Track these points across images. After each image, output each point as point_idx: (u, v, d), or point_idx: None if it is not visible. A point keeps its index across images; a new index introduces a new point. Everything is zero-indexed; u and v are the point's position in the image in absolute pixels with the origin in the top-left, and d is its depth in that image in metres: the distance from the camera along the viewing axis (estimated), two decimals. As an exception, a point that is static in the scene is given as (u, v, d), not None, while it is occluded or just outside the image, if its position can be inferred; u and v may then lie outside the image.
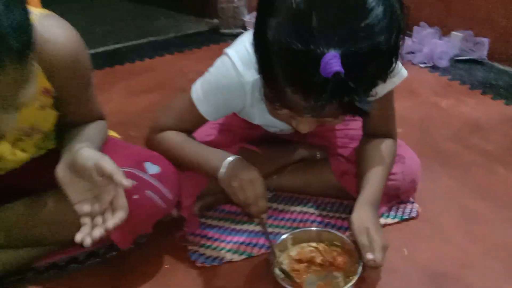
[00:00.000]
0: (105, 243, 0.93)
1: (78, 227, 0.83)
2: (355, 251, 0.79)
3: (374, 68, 0.60)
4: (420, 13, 1.97)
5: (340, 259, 0.82)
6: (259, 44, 0.65)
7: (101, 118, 0.90)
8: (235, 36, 2.17)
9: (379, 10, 0.58)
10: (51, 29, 0.71)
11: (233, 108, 0.90)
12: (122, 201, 0.71)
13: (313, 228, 0.88)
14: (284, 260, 0.84)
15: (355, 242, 0.78)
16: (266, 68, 0.65)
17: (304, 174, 1.06)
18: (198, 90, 0.87)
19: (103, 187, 0.71)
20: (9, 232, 0.85)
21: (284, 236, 0.86)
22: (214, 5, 2.31)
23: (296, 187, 1.07)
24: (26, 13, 0.54)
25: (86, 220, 0.71)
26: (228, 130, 1.06)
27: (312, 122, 0.72)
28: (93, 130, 0.85)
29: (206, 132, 1.03)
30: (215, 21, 2.38)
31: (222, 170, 0.82)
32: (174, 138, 0.91)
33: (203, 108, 0.87)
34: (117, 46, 2.12)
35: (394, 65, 0.64)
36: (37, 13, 0.69)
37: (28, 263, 0.90)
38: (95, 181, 0.69)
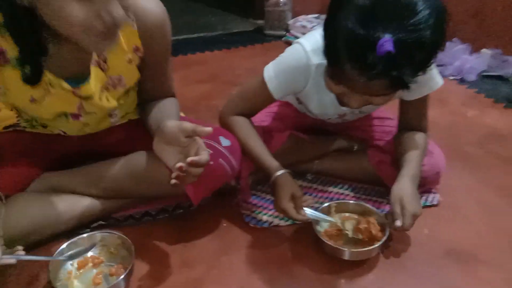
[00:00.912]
0: (173, 204, 1.12)
1: (163, 183, 1.01)
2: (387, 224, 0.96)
3: (418, 56, 0.78)
4: (454, 30, 2.11)
5: (379, 234, 0.97)
6: (328, 31, 0.83)
7: (173, 95, 1.07)
8: (278, 37, 2.40)
9: (426, 12, 0.76)
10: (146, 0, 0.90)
11: (296, 87, 1.06)
12: (204, 148, 0.85)
13: (351, 201, 1.06)
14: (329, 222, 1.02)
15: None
16: (331, 49, 0.83)
17: (343, 161, 1.23)
18: (270, 70, 1.04)
19: (188, 146, 0.85)
20: (103, 185, 1.05)
21: (328, 203, 1.04)
22: (260, 8, 2.50)
23: (335, 172, 1.24)
24: None
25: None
26: (280, 119, 1.23)
27: (361, 99, 0.87)
28: (171, 106, 1.02)
29: (262, 118, 1.21)
30: (260, 22, 2.56)
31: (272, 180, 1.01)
32: (241, 127, 1.08)
33: (272, 86, 1.04)
34: (170, 39, 2.32)
35: (433, 59, 0.81)
36: None
37: (111, 213, 1.09)
38: (182, 142, 0.84)
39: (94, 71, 0.90)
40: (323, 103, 1.07)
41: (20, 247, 0.85)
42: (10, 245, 0.87)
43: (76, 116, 0.98)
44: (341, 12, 0.79)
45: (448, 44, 2.06)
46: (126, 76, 0.95)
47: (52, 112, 0.93)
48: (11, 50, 0.81)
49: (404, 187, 0.96)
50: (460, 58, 2.00)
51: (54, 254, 0.91)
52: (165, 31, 0.94)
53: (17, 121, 1.06)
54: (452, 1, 2.13)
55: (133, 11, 0.87)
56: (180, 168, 0.81)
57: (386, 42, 0.73)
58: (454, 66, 1.97)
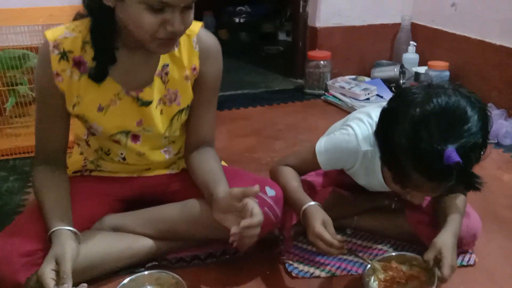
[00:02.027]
0: (220, 250, 1.21)
1: (215, 227, 1.09)
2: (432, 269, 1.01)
3: (476, 156, 0.88)
4: (489, 96, 2.19)
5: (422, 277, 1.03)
6: (385, 143, 0.94)
7: (212, 141, 1.18)
8: (317, 96, 2.54)
9: (475, 117, 0.87)
10: (206, 32, 1.09)
11: (344, 165, 1.17)
12: (257, 209, 0.96)
13: (394, 253, 1.12)
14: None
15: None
16: (393, 160, 0.93)
17: (381, 219, 1.29)
18: (321, 145, 1.15)
19: (244, 209, 0.96)
20: (160, 227, 1.15)
21: (370, 266, 1.08)
22: (301, 68, 2.66)
23: (372, 229, 1.30)
24: None
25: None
26: (324, 175, 1.33)
27: (424, 195, 0.98)
28: (216, 165, 1.12)
29: (308, 173, 1.30)
30: (300, 81, 2.71)
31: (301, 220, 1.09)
32: (287, 173, 1.19)
33: (321, 159, 1.15)
34: (217, 94, 2.49)
35: (486, 150, 0.91)
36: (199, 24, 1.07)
37: (164, 254, 1.18)
38: (237, 207, 0.96)
39: (157, 81, 1.06)
40: (369, 182, 1.17)
41: (84, 285, 0.94)
42: (75, 277, 0.96)
43: (135, 138, 1.11)
44: (397, 126, 0.89)
45: (483, 109, 2.13)
46: (181, 93, 1.09)
47: (115, 125, 1.07)
48: (91, 63, 1.00)
49: (446, 239, 1.02)
50: (496, 122, 2.05)
51: None
52: (219, 59, 1.11)
53: (84, 163, 1.20)
54: (487, 69, 2.23)
55: (197, 37, 1.05)
56: (234, 235, 0.92)
57: (452, 153, 0.82)
58: (490, 130, 2.02)
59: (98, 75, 1.00)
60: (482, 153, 0.90)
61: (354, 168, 1.14)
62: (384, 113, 0.97)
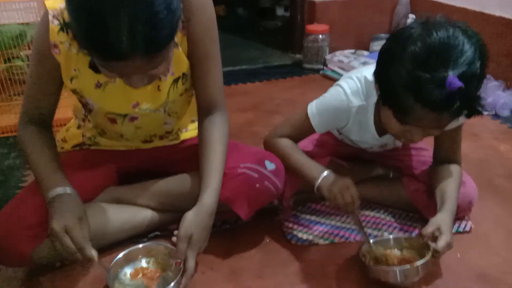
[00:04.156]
0: (221, 219, 1.23)
1: None
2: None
3: (476, 85, 0.89)
4: (488, 67, 2.18)
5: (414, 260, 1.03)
6: (385, 80, 0.95)
7: (222, 102, 1.11)
8: (316, 71, 2.54)
9: (472, 49, 0.88)
10: None
11: (337, 125, 1.18)
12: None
13: (391, 236, 1.12)
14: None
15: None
16: (394, 96, 0.93)
17: (378, 188, 1.31)
18: (313, 108, 1.15)
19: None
20: (161, 199, 1.18)
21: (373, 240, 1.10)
22: (299, 43, 2.65)
23: (371, 197, 1.32)
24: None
25: None
26: (321, 145, 1.34)
27: (423, 133, 0.99)
28: (220, 155, 1.07)
29: (305, 144, 1.31)
30: (298, 56, 2.70)
31: (319, 181, 1.10)
32: (285, 144, 1.19)
33: (315, 122, 1.15)
34: (215, 70, 2.49)
35: (482, 85, 0.92)
36: None
37: (166, 224, 1.20)
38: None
39: None
40: (362, 137, 1.18)
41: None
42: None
43: (132, 119, 1.10)
44: (396, 62, 0.90)
45: (481, 81, 2.13)
46: (173, 62, 1.01)
47: (111, 105, 1.05)
48: None
49: (444, 218, 1.02)
50: (493, 94, 2.06)
51: (112, 263, 1.02)
52: (206, 5, 1.00)
53: (82, 140, 1.21)
54: (486, 41, 2.19)
55: None
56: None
57: (454, 79, 0.84)
58: (488, 101, 2.03)
59: (96, 67, 0.94)
60: (480, 86, 0.91)
61: (348, 125, 1.15)
62: (382, 52, 0.97)
